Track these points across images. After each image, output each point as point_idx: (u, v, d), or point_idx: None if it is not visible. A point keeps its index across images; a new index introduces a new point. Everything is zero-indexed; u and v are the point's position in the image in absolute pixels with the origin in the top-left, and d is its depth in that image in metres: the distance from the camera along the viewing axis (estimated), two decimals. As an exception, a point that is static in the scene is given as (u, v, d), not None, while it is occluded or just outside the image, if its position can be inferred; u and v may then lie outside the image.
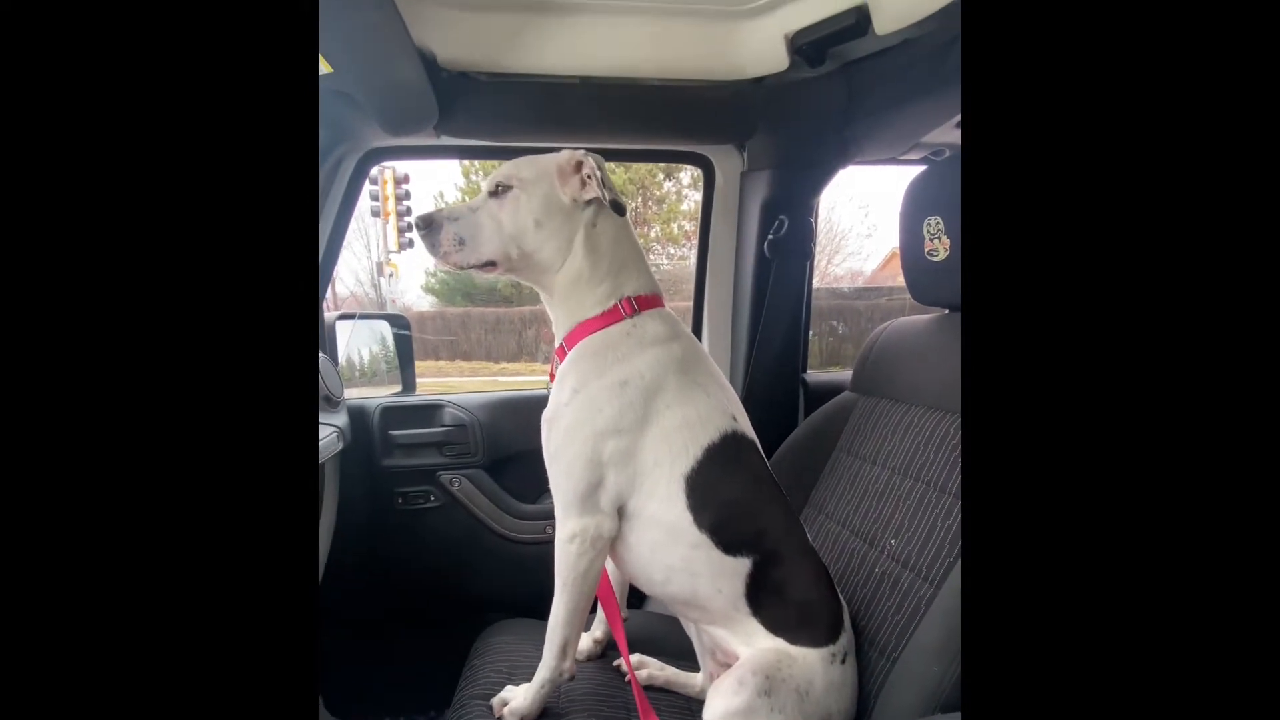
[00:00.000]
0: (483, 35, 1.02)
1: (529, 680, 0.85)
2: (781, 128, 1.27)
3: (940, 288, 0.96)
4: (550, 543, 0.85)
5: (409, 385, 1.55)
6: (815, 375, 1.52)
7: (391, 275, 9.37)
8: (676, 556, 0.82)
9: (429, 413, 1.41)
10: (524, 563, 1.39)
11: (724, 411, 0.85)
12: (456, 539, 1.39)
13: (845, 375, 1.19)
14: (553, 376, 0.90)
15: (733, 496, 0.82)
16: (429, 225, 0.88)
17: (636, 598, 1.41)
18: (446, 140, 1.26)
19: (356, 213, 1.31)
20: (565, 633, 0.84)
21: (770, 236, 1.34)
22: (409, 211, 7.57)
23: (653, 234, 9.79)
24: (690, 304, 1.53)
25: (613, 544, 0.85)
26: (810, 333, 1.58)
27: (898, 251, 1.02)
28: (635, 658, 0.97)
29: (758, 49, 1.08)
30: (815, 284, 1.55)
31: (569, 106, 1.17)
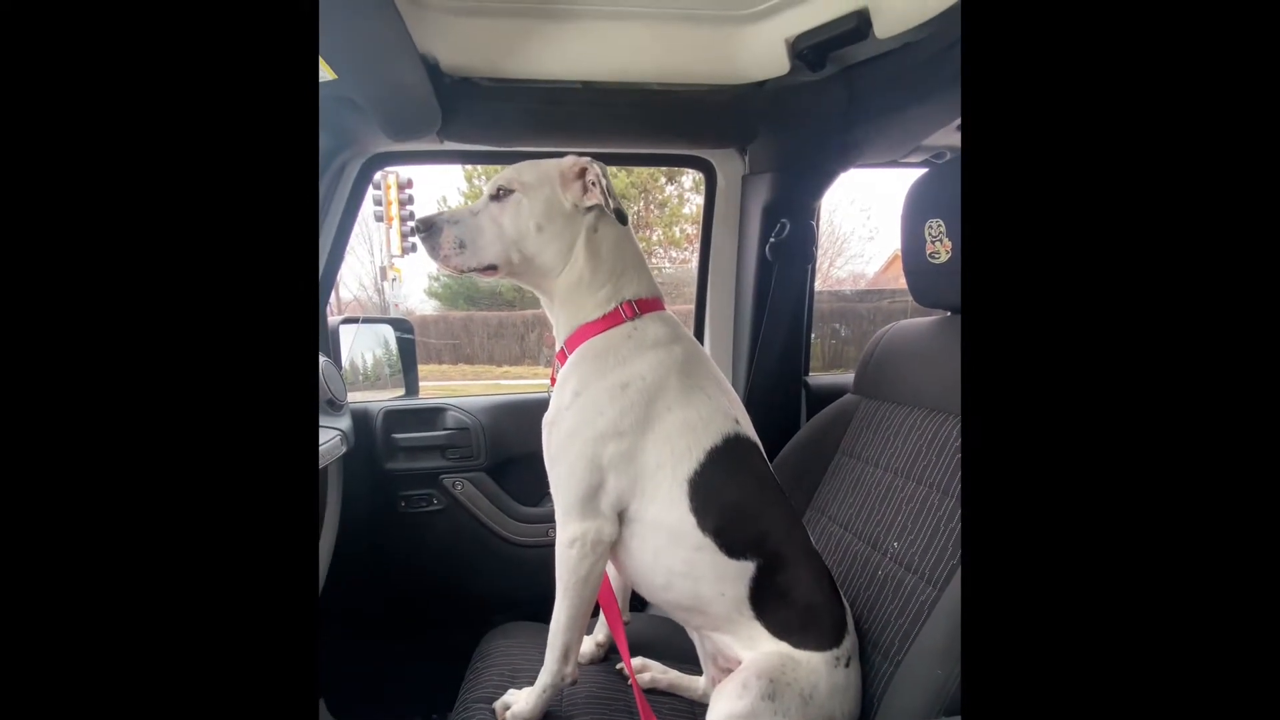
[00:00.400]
0: (485, 41, 1.03)
1: (531, 684, 0.85)
2: (783, 131, 1.28)
3: (942, 290, 0.96)
4: (553, 546, 0.85)
5: (412, 389, 1.55)
6: (817, 378, 1.52)
7: (395, 279, 9.39)
8: (679, 560, 0.81)
9: (431, 416, 1.41)
10: (526, 566, 1.39)
11: (726, 414, 0.85)
12: (459, 542, 1.40)
13: (847, 378, 1.19)
14: (553, 380, 0.90)
15: (736, 499, 0.82)
16: (429, 228, 0.88)
17: (639, 601, 1.41)
18: (449, 145, 1.27)
19: (360, 218, 1.32)
20: (567, 637, 0.84)
21: (772, 239, 1.34)
22: (412, 216, 7.58)
23: (655, 237, 9.80)
24: (692, 307, 1.54)
25: (614, 548, 0.85)
26: (812, 335, 1.58)
27: (899, 254, 1.02)
28: (637, 661, 0.97)
29: (759, 53, 1.08)
30: (817, 287, 1.56)
31: (571, 111, 1.18)
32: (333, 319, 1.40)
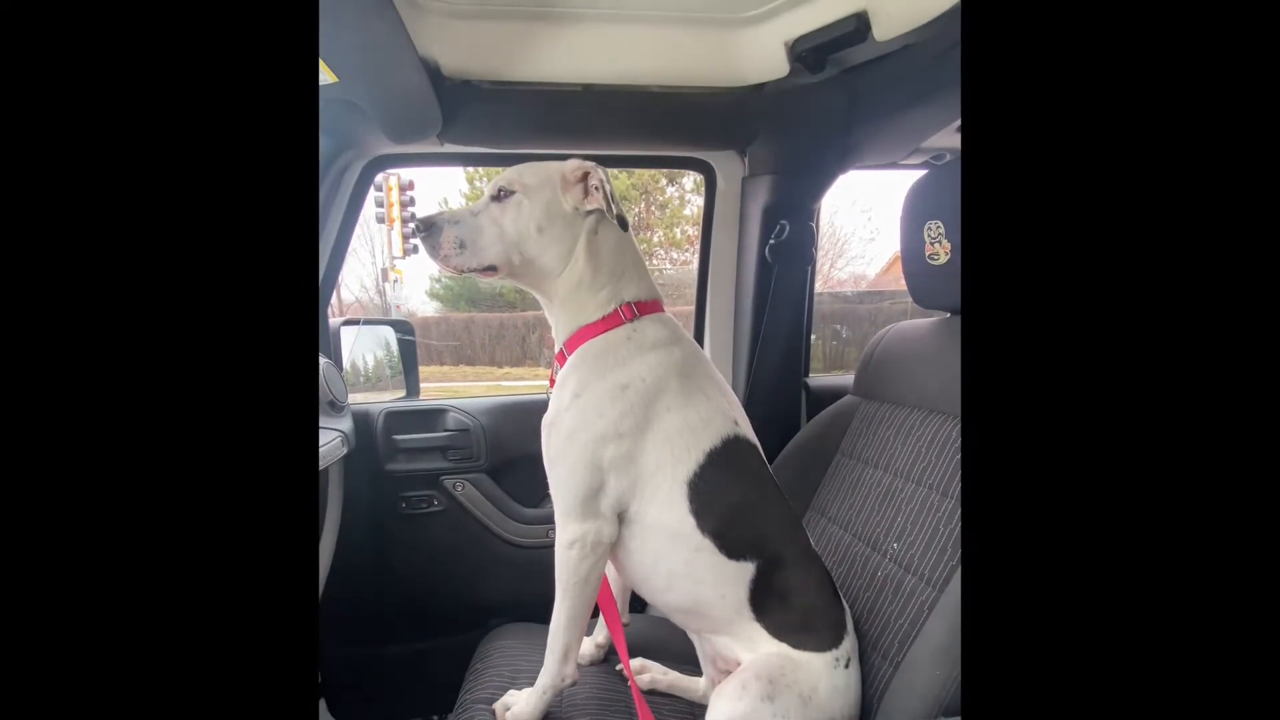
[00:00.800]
0: (485, 44, 1.03)
1: (532, 685, 0.85)
2: (782, 133, 1.28)
3: (941, 291, 0.96)
4: (553, 547, 0.85)
5: (413, 390, 1.55)
6: (818, 379, 1.52)
7: (396, 281, 9.40)
8: (679, 561, 0.81)
9: (432, 417, 1.41)
10: (527, 567, 1.39)
11: (725, 415, 0.85)
12: (459, 543, 1.40)
13: (848, 379, 1.19)
14: (553, 382, 0.90)
15: (735, 500, 0.82)
16: (429, 228, 0.88)
17: (639, 602, 1.41)
18: (450, 148, 1.27)
19: (362, 219, 1.32)
20: (567, 638, 0.84)
21: (771, 241, 1.34)
22: (413, 218, 7.58)
23: (655, 239, 9.80)
24: (692, 308, 1.54)
25: (614, 550, 0.85)
26: (813, 337, 1.58)
27: (900, 256, 1.02)
28: (637, 662, 0.97)
29: (758, 56, 1.09)
30: (818, 288, 1.56)
31: (571, 114, 1.18)
32: (334, 320, 1.41)
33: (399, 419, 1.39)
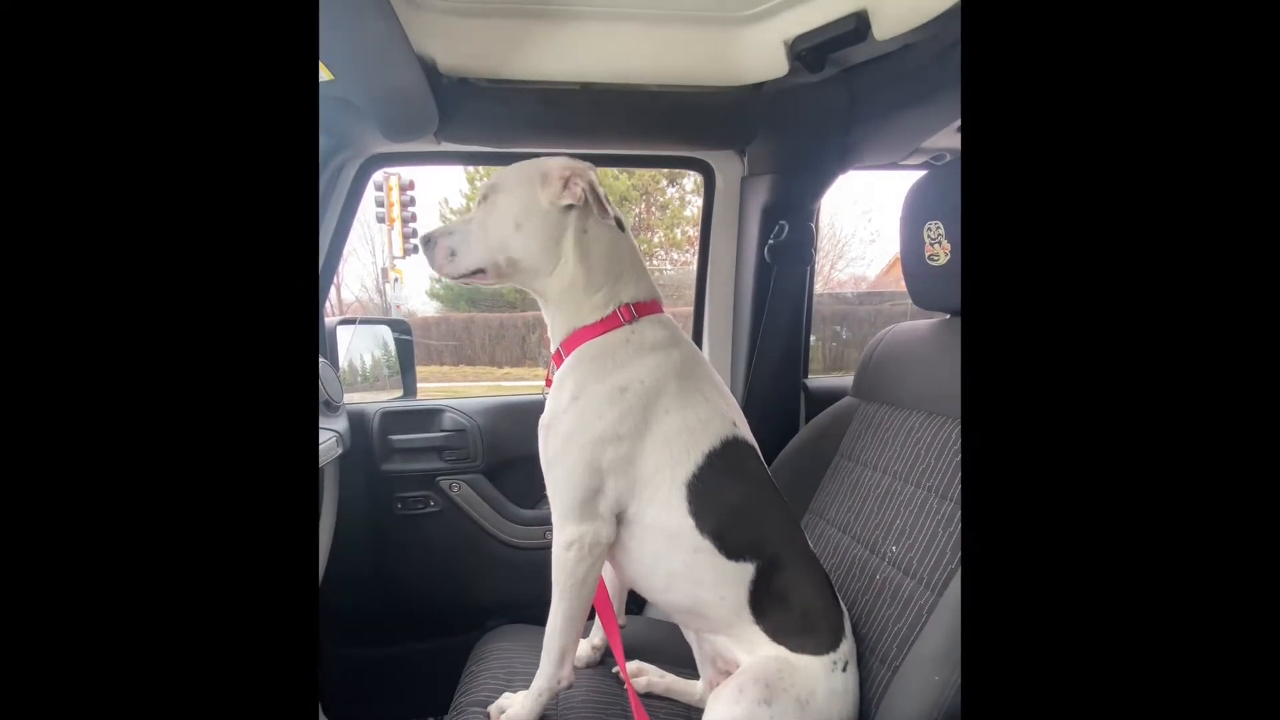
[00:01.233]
0: (483, 42, 1.02)
1: (527, 687, 0.85)
2: (782, 133, 1.28)
3: (941, 293, 0.95)
4: (549, 548, 0.84)
5: (410, 390, 1.55)
6: (817, 380, 1.52)
7: (396, 281, 9.42)
8: (679, 563, 0.81)
9: (428, 417, 1.41)
10: (523, 568, 1.39)
11: (724, 417, 0.85)
12: (455, 544, 1.39)
13: (847, 380, 1.18)
14: (549, 383, 0.90)
15: (735, 502, 0.82)
16: (428, 242, 0.91)
17: (636, 604, 1.40)
18: (447, 146, 1.27)
19: (362, 219, 1.32)
20: (563, 640, 0.84)
21: (771, 241, 1.33)
22: (414, 218, 7.62)
23: (656, 239, 9.81)
24: (692, 309, 1.53)
25: (613, 550, 0.85)
26: (813, 338, 1.58)
27: (900, 257, 1.01)
28: (634, 664, 0.96)
29: (758, 55, 1.08)
30: (818, 289, 1.56)
31: (570, 112, 1.17)
32: (330, 320, 1.40)
33: (395, 419, 1.38)
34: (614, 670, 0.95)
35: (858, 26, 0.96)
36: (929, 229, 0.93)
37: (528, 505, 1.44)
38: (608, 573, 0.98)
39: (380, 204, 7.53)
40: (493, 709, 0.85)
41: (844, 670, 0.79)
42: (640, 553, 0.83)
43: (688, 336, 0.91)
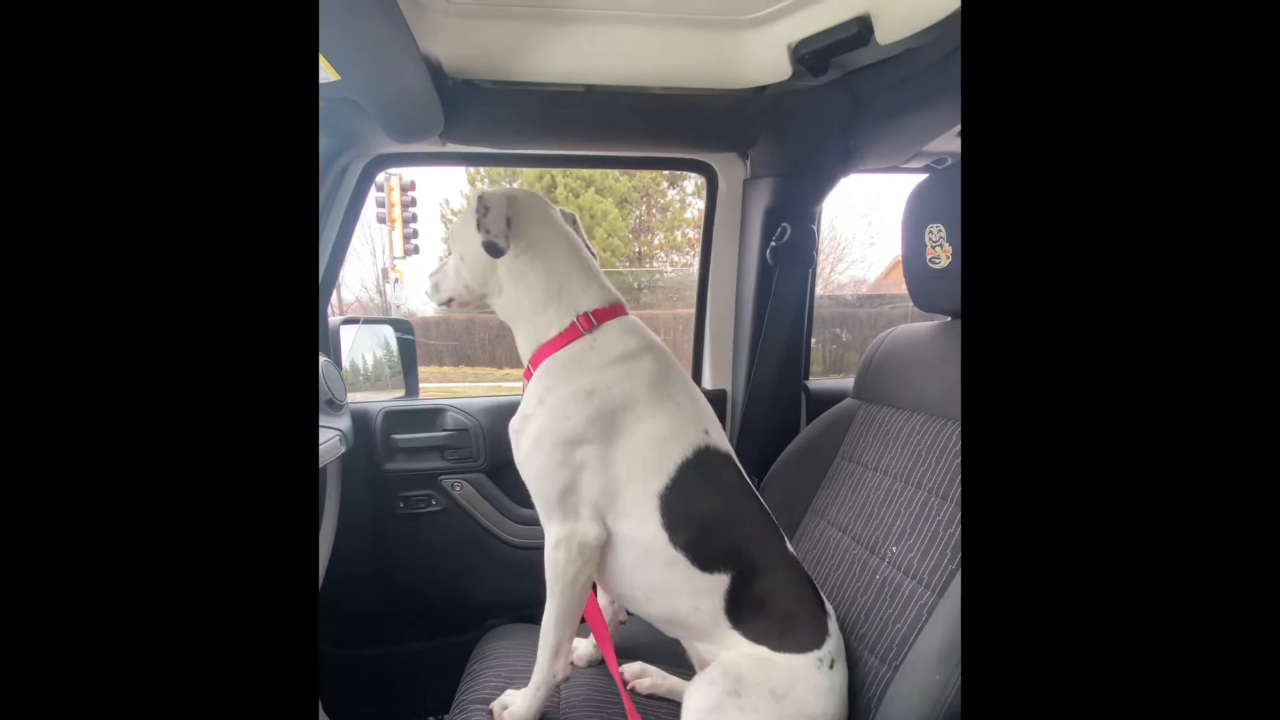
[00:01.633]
0: (488, 44, 1.03)
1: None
2: (784, 136, 1.28)
3: (942, 295, 0.96)
4: None
5: (412, 390, 1.55)
6: (818, 382, 1.52)
7: (397, 281, 9.41)
8: (654, 575, 0.82)
9: (431, 417, 1.41)
10: (524, 567, 1.39)
11: (697, 425, 0.85)
12: (457, 543, 1.39)
13: (847, 383, 1.19)
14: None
15: (708, 512, 0.82)
16: (431, 280, 1.00)
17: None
18: (452, 147, 1.27)
19: (362, 219, 1.32)
20: (557, 636, 0.84)
21: (772, 244, 1.34)
22: (415, 219, 7.62)
23: (656, 241, 9.82)
24: (693, 311, 1.54)
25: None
26: (813, 340, 1.58)
27: (900, 260, 1.02)
28: (637, 666, 0.96)
29: (760, 58, 1.09)
30: (819, 292, 1.56)
31: (573, 114, 1.18)
32: (333, 319, 1.41)
33: (398, 418, 1.39)
34: (630, 687, 0.95)
35: (860, 31, 0.97)
36: (930, 232, 0.94)
37: (529, 505, 1.43)
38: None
39: (381, 204, 7.53)
40: (495, 705, 0.86)
41: (830, 668, 0.79)
42: (617, 566, 0.84)
43: (657, 339, 0.91)
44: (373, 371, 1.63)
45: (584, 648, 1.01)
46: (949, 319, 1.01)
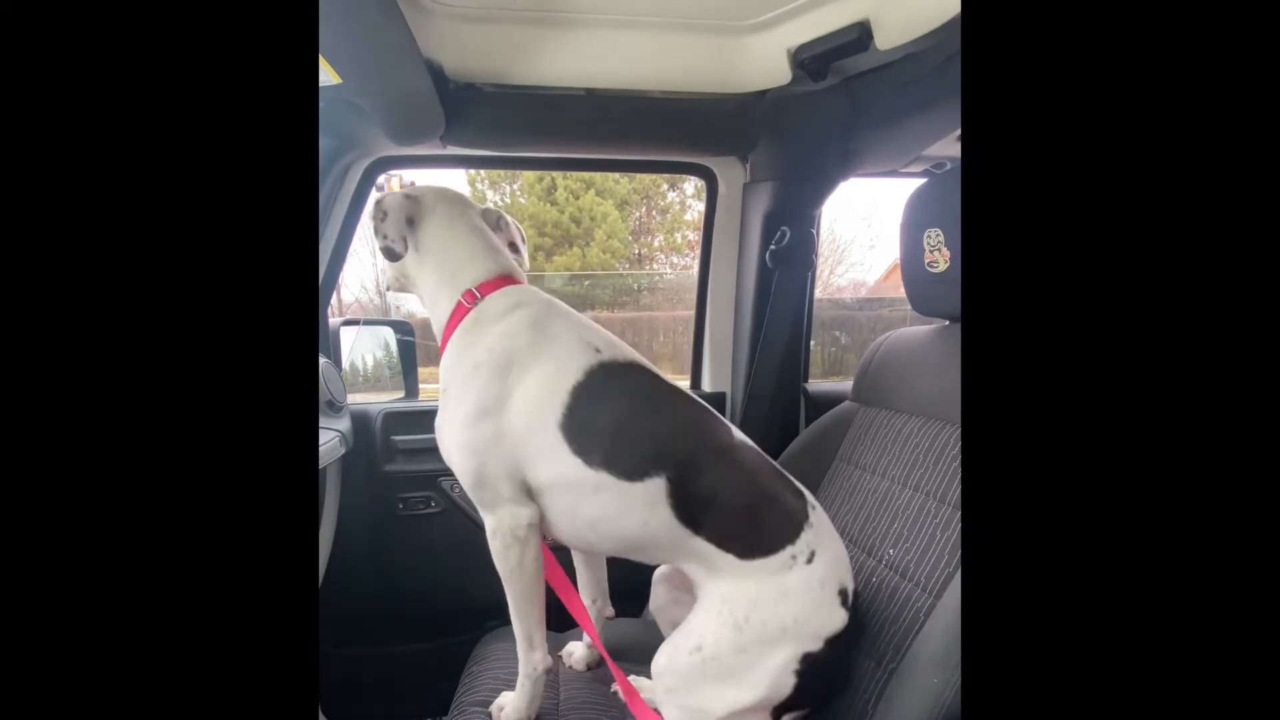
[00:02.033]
0: (490, 47, 1.04)
1: (526, 686, 0.85)
2: (784, 140, 1.29)
3: (940, 299, 0.96)
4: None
5: (412, 391, 1.55)
6: (817, 385, 1.53)
7: (396, 282, 9.39)
8: (590, 507, 0.79)
9: (431, 418, 1.40)
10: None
11: (585, 348, 0.82)
12: (457, 545, 1.39)
13: (847, 385, 1.19)
14: None
15: (613, 422, 0.78)
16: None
17: (635, 604, 1.41)
18: (453, 150, 1.28)
19: (363, 221, 1.32)
20: (525, 626, 0.84)
21: (772, 247, 1.34)
22: (415, 219, 7.61)
23: (656, 243, 9.82)
24: (693, 313, 1.54)
25: (543, 525, 0.85)
26: (812, 342, 1.58)
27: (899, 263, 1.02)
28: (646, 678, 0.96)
29: (760, 63, 1.09)
30: (818, 294, 1.56)
31: (574, 117, 1.18)
32: (333, 320, 1.41)
33: (397, 419, 1.39)
34: (613, 690, 0.94)
35: (860, 36, 0.97)
36: (929, 236, 0.94)
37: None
38: (582, 568, 1.01)
39: (381, 205, 7.52)
40: (493, 708, 0.86)
41: (808, 561, 0.76)
42: (558, 515, 0.82)
43: (543, 294, 0.90)
44: (372, 373, 1.63)
45: (580, 651, 1.01)
46: (947, 323, 1.01)
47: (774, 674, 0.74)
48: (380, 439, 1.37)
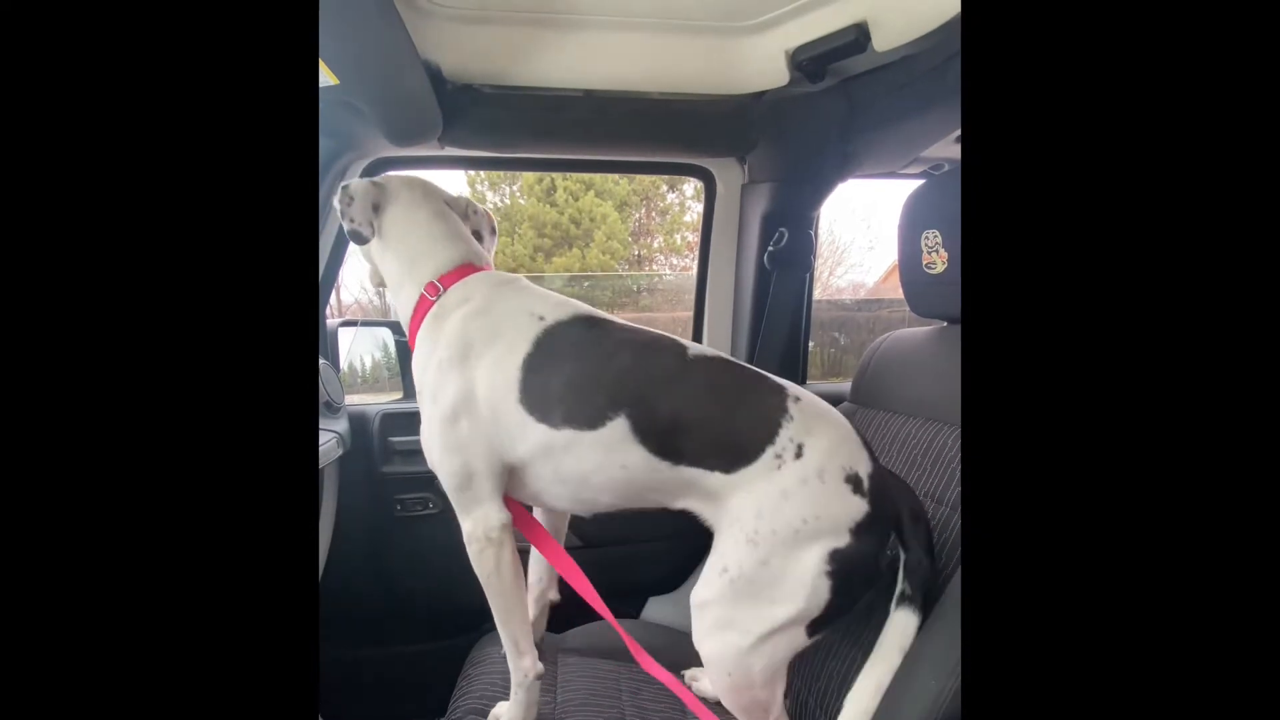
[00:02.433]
0: (488, 48, 1.04)
1: (524, 690, 0.85)
2: (782, 141, 1.29)
3: (938, 300, 0.96)
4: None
5: (410, 392, 1.55)
6: (816, 386, 1.52)
7: (395, 283, 9.39)
8: (569, 465, 0.78)
9: None
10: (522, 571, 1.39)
11: (529, 320, 0.82)
12: (454, 546, 1.37)
13: (846, 386, 1.19)
14: None
15: (564, 381, 0.78)
16: None
17: (634, 606, 1.41)
18: (451, 151, 1.28)
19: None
20: (510, 631, 0.84)
21: (770, 248, 1.35)
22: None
23: (655, 244, 9.83)
24: (691, 314, 1.54)
25: (535, 502, 0.85)
26: (811, 344, 1.58)
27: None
28: (691, 671, 0.97)
29: (758, 64, 1.09)
30: (817, 295, 1.56)
31: (572, 119, 1.18)
32: (331, 321, 1.41)
33: (395, 421, 1.39)
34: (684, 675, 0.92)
35: (858, 38, 0.97)
36: (926, 238, 0.94)
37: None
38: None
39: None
40: (490, 717, 0.86)
41: (797, 457, 0.72)
42: (546, 483, 0.82)
43: (497, 275, 0.90)
44: (370, 374, 1.63)
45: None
46: (945, 324, 1.01)
47: (806, 581, 0.71)
48: (378, 440, 1.37)
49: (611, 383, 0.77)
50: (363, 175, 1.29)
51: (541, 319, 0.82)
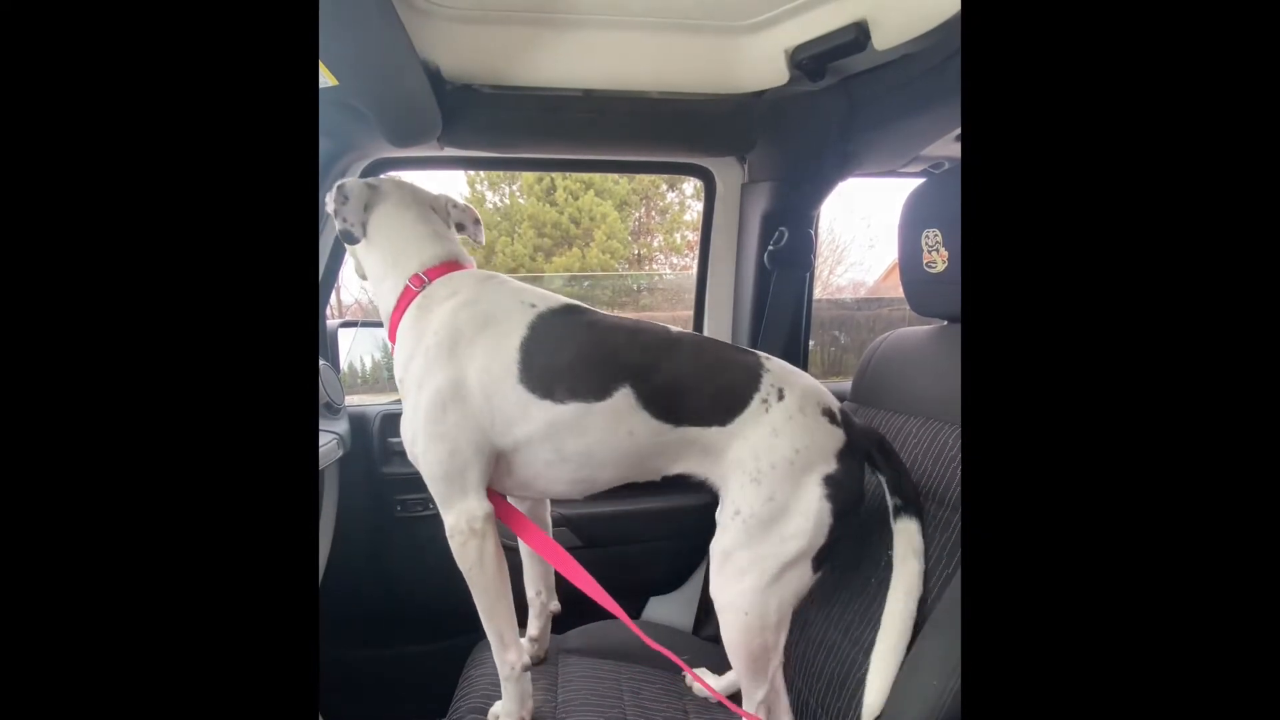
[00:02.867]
0: (487, 49, 1.03)
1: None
2: (782, 140, 1.29)
3: (938, 299, 0.96)
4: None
5: (410, 393, 1.55)
6: (815, 386, 1.52)
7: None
8: (576, 439, 0.80)
9: None
10: (521, 571, 1.39)
11: (521, 307, 0.84)
12: (455, 547, 1.39)
13: (845, 385, 1.19)
14: None
15: (568, 358, 0.81)
16: None
17: (635, 607, 1.41)
18: (450, 151, 1.28)
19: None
20: (494, 624, 0.85)
21: (770, 247, 1.34)
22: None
23: (655, 244, 9.82)
24: (691, 313, 1.54)
25: (533, 485, 0.85)
26: (811, 342, 1.58)
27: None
28: (699, 670, 0.97)
29: (758, 63, 1.09)
30: (818, 294, 1.56)
31: (571, 119, 1.18)
32: (331, 322, 1.41)
33: (395, 421, 1.38)
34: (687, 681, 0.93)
35: (858, 36, 0.97)
36: (927, 236, 0.94)
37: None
38: (527, 555, 1.02)
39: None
40: (490, 714, 0.86)
41: (779, 399, 0.80)
42: (545, 465, 0.83)
43: (482, 273, 0.91)
44: (371, 374, 1.63)
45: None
46: (945, 323, 1.01)
47: (811, 512, 0.77)
48: (378, 441, 1.37)
49: (612, 357, 0.81)
50: (362, 176, 1.29)
51: (533, 306, 0.85)
